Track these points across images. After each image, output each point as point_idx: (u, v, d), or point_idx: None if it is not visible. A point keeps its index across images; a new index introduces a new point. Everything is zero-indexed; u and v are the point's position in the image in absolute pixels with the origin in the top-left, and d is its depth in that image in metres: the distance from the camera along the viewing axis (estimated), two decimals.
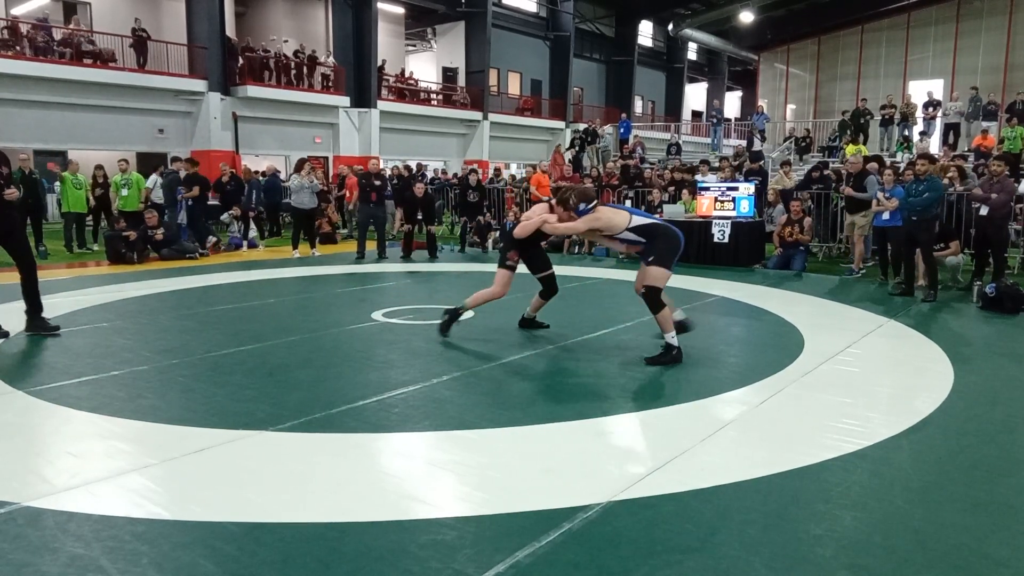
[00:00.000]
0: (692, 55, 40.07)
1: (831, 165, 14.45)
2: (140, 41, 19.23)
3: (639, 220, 5.24)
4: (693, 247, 10.97)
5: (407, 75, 27.36)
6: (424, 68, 30.29)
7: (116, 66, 18.69)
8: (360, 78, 23.64)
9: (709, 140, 25.96)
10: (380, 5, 24.82)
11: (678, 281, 9.08)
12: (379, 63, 24.73)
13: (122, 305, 7.42)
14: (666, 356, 5.10)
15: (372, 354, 5.47)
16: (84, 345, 5.59)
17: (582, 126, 24.99)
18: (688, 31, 32.52)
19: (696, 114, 41.73)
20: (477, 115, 27.86)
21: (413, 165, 20.49)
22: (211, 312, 7.16)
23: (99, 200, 12.59)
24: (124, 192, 11.83)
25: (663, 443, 3.66)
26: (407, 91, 26.72)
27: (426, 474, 3.25)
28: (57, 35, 18.16)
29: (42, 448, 3.60)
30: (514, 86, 31.72)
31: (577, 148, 20.53)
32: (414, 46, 32.15)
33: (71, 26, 18.80)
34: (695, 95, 43.48)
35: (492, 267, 10.71)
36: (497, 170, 20.11)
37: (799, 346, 5.67)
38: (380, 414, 4.03)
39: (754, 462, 3.35)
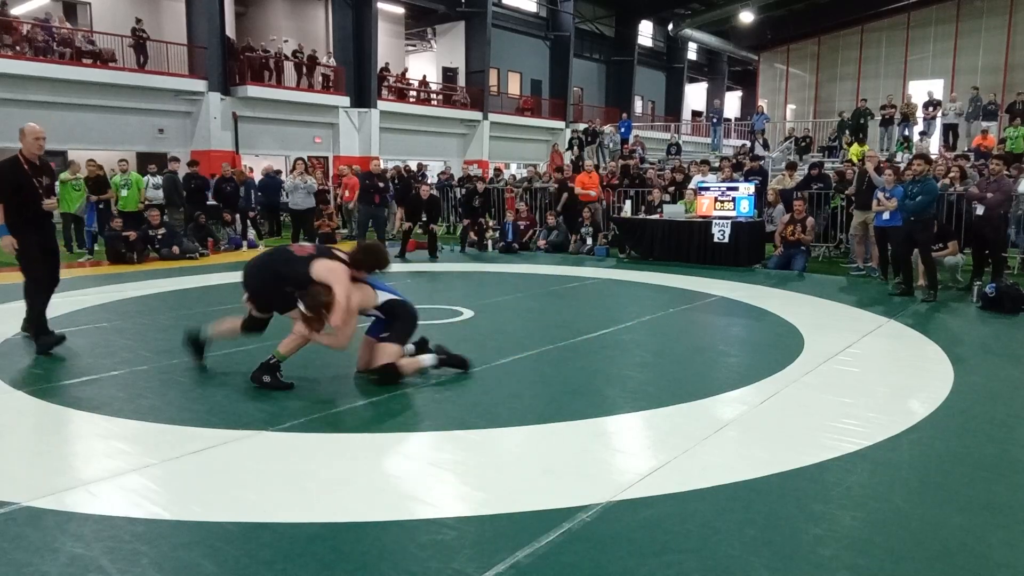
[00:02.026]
0: (692, 55, 40.07)
1: (831, 165, 14.46)
2: (140, 41, 19.23)
3: (384, 296, 4.64)
4: (693, 247, 10.99)
5: (408, 76, 27.37)
6: (424, 68, 30.28)
7: (116, 66, 18.69)
8: (360, 78, 23.64)
9: (709, 140, 25.96)
10: (380, 5, 24.80)
11: (679, 281, 9.10)
12: (381, 65, 24.73)
13: (122, 305, 7.42)
14: (453, 360, 4.76)
15: None
16: (84, 345, 5.59)
17: (582, 126, 25.00)
18: (688, 31, 32.53)
19: (696, 114, 41.73)
20: (477, 115, 27.86)
21: (414, 166, 20.47)
22: (211, 312, 7.14)
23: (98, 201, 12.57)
24: (123, 192, 11.83)
25: (663, 443, 3.66)
26: (407, 91, 26.72)
27: (426, 474, 3.25)
28: (56, 35, 18.15)
29: (42, 448, 3.60)
30: (514, 86, 31.71)
31: (577, 148, 20.53)
32: (414, 46, 32.14)
33: (69, 25, 18.79)
34: (695, 95, 43.49)
35: (491, 267, 10.77)
36: (497, 170, 20.11)
37: (799, 346, 5.67)
38: (379, 414, 4.04)
39: (754, 462, 3.35)
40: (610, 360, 5.36)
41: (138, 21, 19.56)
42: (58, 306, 6.90)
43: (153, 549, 2.57)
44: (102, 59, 18.59)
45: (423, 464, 3.37)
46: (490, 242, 13.17)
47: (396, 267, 10.78)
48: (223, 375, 4.79)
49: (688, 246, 11.04)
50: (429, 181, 16.13)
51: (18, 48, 17.27)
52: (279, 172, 16.00)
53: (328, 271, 4.34)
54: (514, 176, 21.12)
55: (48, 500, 2.91)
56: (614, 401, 4.35)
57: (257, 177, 15.71)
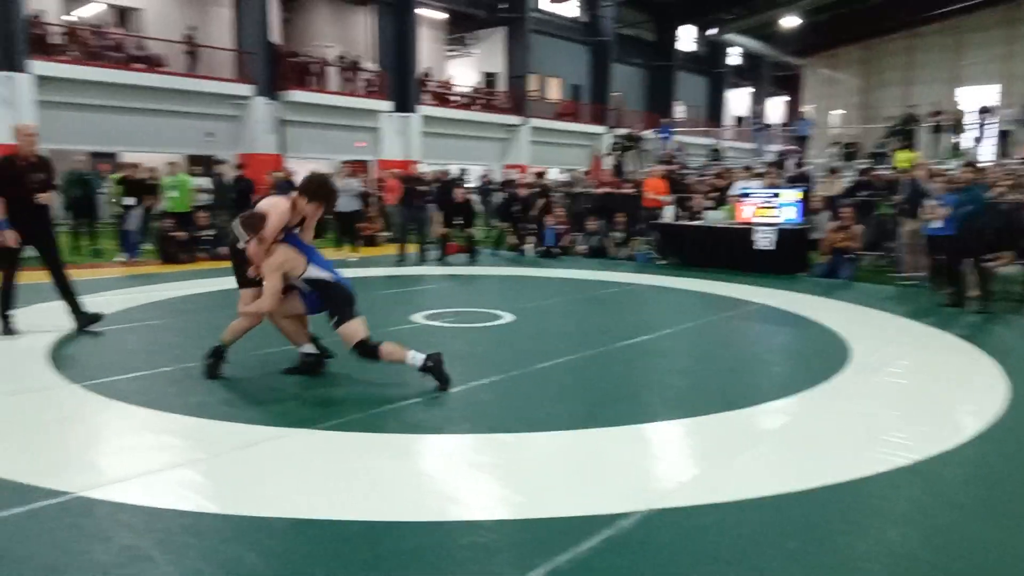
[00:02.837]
0: (734, 60, 39.61)
1: (878, 172, 14.16)
2: (191, 46, 19.77)
3: (315, 272, 4.55)
4: (735, 254, 10.86)
5: (452, 82, 27.60)
6: (465, 73, 30.48)
7: (166, 70, 19.21)
8: (402, 83, 23.90)
9: (752, 146, 25.61)
10: (422, 11, 25.05)
11: (721, 289, 8.99)
12: (422, 70, 24.98)
13: (172, 303, 7.61)
14: (439, 375, 4.49)
15: None
16: (136, 341, 5.75)
17: (622, 131, 24.90)
18: (730, 36, 32.16)
19: (739, 120, 41.21)
20: (517, 120, 27.94)
21: (454, 170, 20.59)
22: None
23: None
24: (173, 194, 12.13)
25: (704, 452, 3.62)
26: (447, 96, 26.94)
27: (465, 476, 3.27)
28: (108, 40, 18.74)
29: (96, 440, 3.73)
30: (554, 91, 31.73)
31: (619, 153, 20.47)
32: (455, 51, 32.36)
33: (122, 31, 19.39)
34: (738, 100, 42.96)
35: (530, 271, 10.79)
36: (538, 175, 20.11)
37: (845, 356, 5.55)
38: (420, 416, 4.07)
39: (797, 473, 3.30)
40: (650, 367, 5.32)
41: (191, 28, 20.10)
42: (111, 303, 7.14)
43: (201, 542, 2.63)
44: (153, 64, 19.12)
45: (462, 466, 3.40)
46: (529, 246, 13.19)
47: (435, 271, 10.86)
48: (268, 374, 4.88)
49: (730, 253, 10.91)
50: (466, 185, 16.23)
51: (74, 53, 17.86)
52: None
53: (270, 203, 4.53)
54: (555, 181, 21.10)
55: (102, 491, 3.00)
56: (654, 408, 4.32)
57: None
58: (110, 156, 18.01)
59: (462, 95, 27.93)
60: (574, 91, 32.24)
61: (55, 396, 4.33)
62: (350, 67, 23.18)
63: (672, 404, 4.39)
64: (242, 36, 20.57)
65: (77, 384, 4.53)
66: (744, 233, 10.83)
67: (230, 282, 9.07)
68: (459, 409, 4.19)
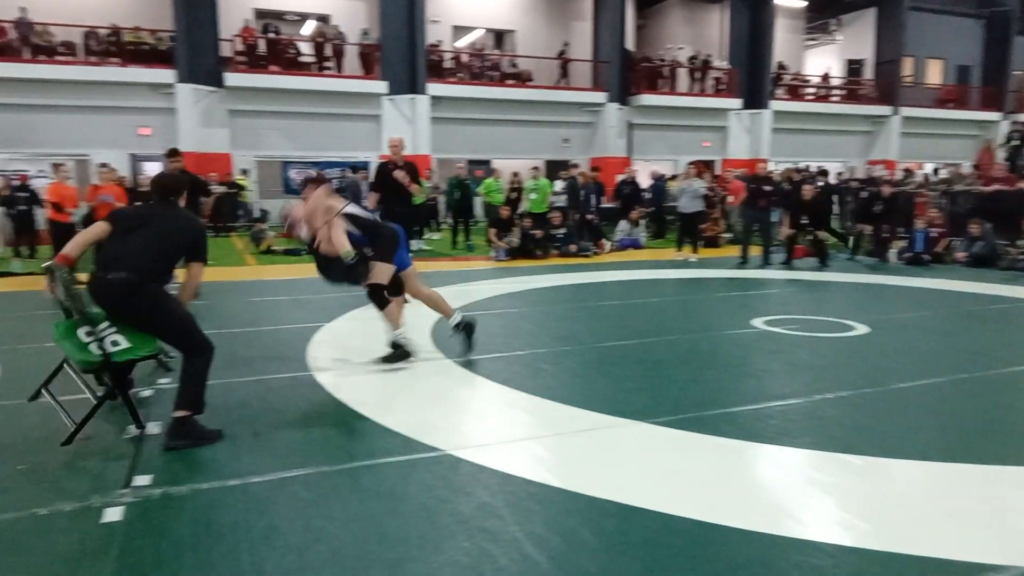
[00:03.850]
0: None
1: None
2: (562, 60, 21.71)
3: (355, 209, 4.91)
4: None
5: (807, 74, 25.86)
6: (826, 63, 28.23)
7: (533, 84, 21.27)
8: (753, 79, 23.10)
9: None
10: (779, 1, 23.85)
11: None
12: (776, 63, 23.82)
13: (529, 294, 8.44)
14: (394, 355, 5.01)
15: (750, 361, 5.36)
16: (497, 327, 6.51)
17: None
18: None
19: None
20: (885, 110, 25.05)
21: (811, 167, 19.28)
22: (600, 306, 7.77)
23: (512, 203, 14.45)
24: (533, 196, 13.38)
25: None
26: (804, 89, 25.25)
27: (802, 492, 3.09)
28: (486, 61, 21.34)
29: (463, 408, 4.33)
30: (934, 75, 27.70)
31: (1017, 143, 17.19)
32: (815, 40, 30.12)
33: (500, 52, 21.94)
34: None
35: (892, 279, 9.65)
36: (908, 171, 17.87)
37: None
38: (755, 423, 3.95)
39: None
40: None
41: (565, 44, 22.02)
42: (481, 291, 8.21)
43: (543, 509, 2.92)
44: (522, 79, 21.33)
45: (799, 481, 3.22)
46: (894, 252, 11.78)
47: (780, 275, 10.30)
48: (608, 365, 5.16)
49: None
50: (819, 184, 15.03)
51: (460, 75, 20.76)
52: (664, 177, 16.56)
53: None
54: (927, 176, 18.53)
55: (466, 452, 3.50)
56: None
57: (645, 181, 16.52)
58: (485, 163, 20.51)
59: (820, 86, 25.95)
60: (960, 73, 27.77)
61: (434, 368, 5.13)
62: (700, 67, 23.09)
63: None
64: (599, 46, 21.85)
65: (450, 359, 5.30)
66: None
67: (576, 278, 9.81)
68: (799, 422, 3.97)
